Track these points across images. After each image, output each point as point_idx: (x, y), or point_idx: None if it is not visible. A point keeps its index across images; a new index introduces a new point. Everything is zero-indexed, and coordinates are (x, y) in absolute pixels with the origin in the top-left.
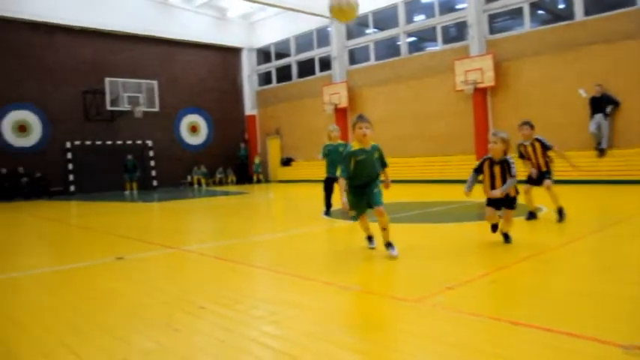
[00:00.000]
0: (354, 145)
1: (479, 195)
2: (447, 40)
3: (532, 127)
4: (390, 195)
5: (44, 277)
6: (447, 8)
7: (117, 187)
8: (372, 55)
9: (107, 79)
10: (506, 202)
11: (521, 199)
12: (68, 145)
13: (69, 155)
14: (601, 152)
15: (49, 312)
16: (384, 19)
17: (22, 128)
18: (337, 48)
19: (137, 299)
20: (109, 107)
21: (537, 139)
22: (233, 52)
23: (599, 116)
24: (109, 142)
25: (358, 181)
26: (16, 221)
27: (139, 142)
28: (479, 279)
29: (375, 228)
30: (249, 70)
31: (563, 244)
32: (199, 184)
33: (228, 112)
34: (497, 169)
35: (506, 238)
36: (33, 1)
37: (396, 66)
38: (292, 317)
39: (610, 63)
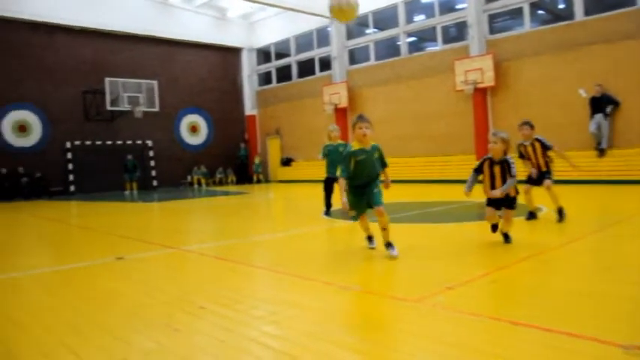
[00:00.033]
0: (354, 145)
1: (479, 195)
2: (447, 40)
3: (532, 127)
4: (390, 195)
5: (44, 277)
6: (447, 8)
7: (117, 187)
8: (372, 55)
9: (107, 79)
10: (506, 202)
11: (521, 199)
12: (68, 145)
13: (69, 155)
14: (601, 152)
15: (49, 312)
16: (384, 19)
17: (22, 128)
18: (337, 48)
19: (137, 299)
20: (109, 107)
21: (537, 139)
22: (233, 52)
23: (599, 116)
24: (109, 142)
25: (358, 181)
26: (16, 221)
27: (139, 142)
28: (479, 279)
29: (375, 228)
30: (249, 70)
31: (563, 244)
32: (199, 184)
33: (228, 112)
34: (497, 169)
35: (506, 238)
36: (33, 1)
37: (396, 66)
38: (292, 317)
39: (610, 63)
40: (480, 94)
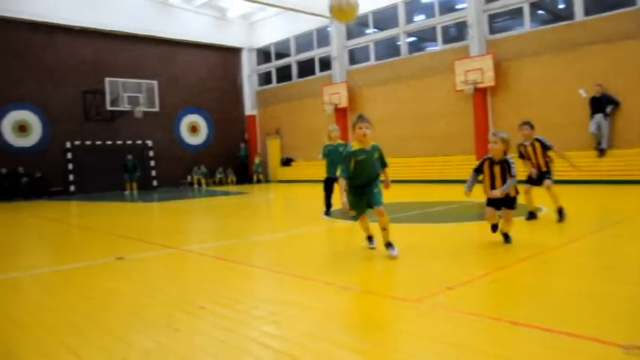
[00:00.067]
0: (354, 145)
1: (479, 195)
2: (447, 40)
3: (532, 127)
4: (390, 195)
5: (44, 277)
6: (447, 8)
7: (117, 187)
8: (372, 55)
9: (107, 79)
10: (506, 202)
11: (521, 199)
12: (68, 145)
13: (69, 155)
14: (601, 152)
15: (49, 312)
16: (384, 19)
17: (22, 128)
18: (337, 48)
19: (137, 299)
20: (109, 107)
21: (537, 139)
22: (233, 52)
23: (599, 116)
24: (109, 142)
25: (358, 181)
26: (16, 221)
27: (139, 142)
28: (479, 279)
29: (375, 228)
30: (249, 70)
31: (563, 244)
32: (199, 184)
33: (228, 112)
34: (497, 169)
35: (506, 238)
36: (33, 1)
37: (396, 66)
38: (292, 317)
39: (610, 63)
40: (480, 94)
